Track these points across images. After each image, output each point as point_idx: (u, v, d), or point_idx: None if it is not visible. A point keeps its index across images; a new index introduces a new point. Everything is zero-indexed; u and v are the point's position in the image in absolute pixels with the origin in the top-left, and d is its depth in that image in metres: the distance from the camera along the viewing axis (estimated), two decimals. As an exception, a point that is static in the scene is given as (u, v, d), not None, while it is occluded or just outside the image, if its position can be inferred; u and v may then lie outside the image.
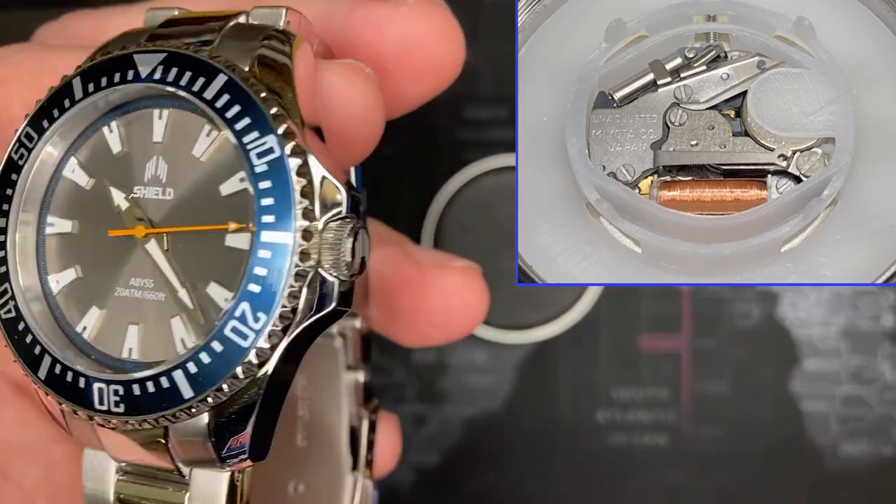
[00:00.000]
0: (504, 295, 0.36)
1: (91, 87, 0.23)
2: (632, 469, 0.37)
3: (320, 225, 0.21)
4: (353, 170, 0.28)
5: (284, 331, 0.21)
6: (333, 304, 0.22)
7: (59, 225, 0.23)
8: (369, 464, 0.31)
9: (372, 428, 0.31)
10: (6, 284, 0.23)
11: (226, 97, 0.22)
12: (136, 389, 0.22)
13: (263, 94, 0.21)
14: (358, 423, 0.31)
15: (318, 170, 0.21)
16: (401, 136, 0.37)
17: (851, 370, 0.37)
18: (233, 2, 0.27)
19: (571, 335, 0.36)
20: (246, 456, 0.22)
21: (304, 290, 0.21)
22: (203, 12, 0.24)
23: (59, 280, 0.23)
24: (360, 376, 0.31)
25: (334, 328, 0.30)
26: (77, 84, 0.23)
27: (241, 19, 0.23)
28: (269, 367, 0.22)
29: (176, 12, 0.24)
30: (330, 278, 0.22)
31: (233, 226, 0.22)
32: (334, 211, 0.21)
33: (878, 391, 0.37)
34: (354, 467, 0.31)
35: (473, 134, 0.37)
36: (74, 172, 0.23)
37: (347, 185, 0.22)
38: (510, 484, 0.37)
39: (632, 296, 0.37)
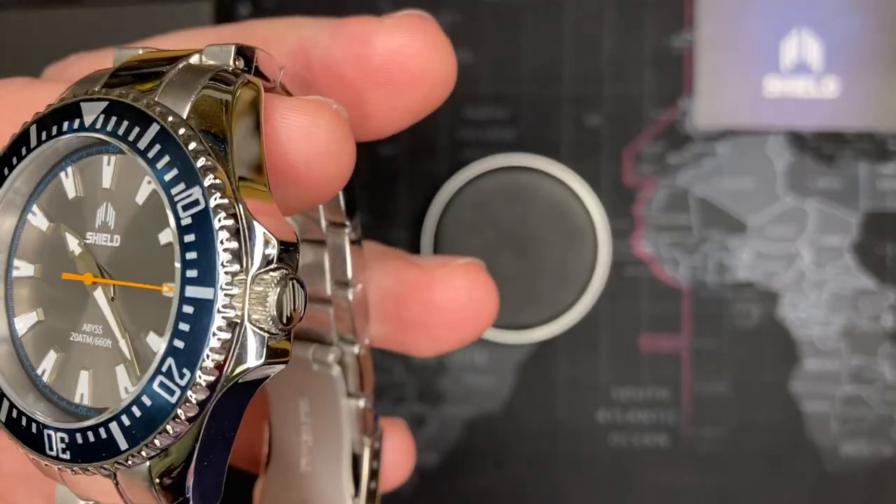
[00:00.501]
0: (504, 295, 0.36)
1: (44, 134, 0.23)
2: (632, 469, 0.37)
3: (248, 278, 0.21)
4: (340, 194, 0.28)
5: (212, 387, 0.21)
6: (263, 359, 0.21)
7: (23, 269, 0.24)
8: (372, 493, 0.31)
9: (375, 456, 0.31)
10: None
11: (157, 147, 0.21)
12: (79, 438, 0.22)
13: (193, 146, 0.21)
14: (360, 450, 0.31)
15: (249, 221, 0.21)
16: (401, 136, 0.37)
17: (852, 370, 0.37)
18: (207, 40, 0.27)
19: (571, 335, 0.36)
20: (209, 498, 0.22)
21: (231, 345, 0.21)
22: (161, 52, 0.24)
23: (23, 322, 0.24)
24: (361, 403, 0.31)
25: (330, 357, 0.30)
26: (33, 131, 0.23)
27: (194, 59, 0.23)
28: (203, 422, 0.21)
29: (140, 51, 0.24)
30: (260, 332, 0.21)
31: (166, 287, 0.22)
32: (264, 261, 0.21)
33: (879, 391, 0.37)
34: (356, 494, 0.31)
35: (473, 134, 0.37)
36: (36, 217, 0.24)
37: (289, 237, 0.22)
38: (510, 484, 0.37)
39: (632, 296, 0.37)
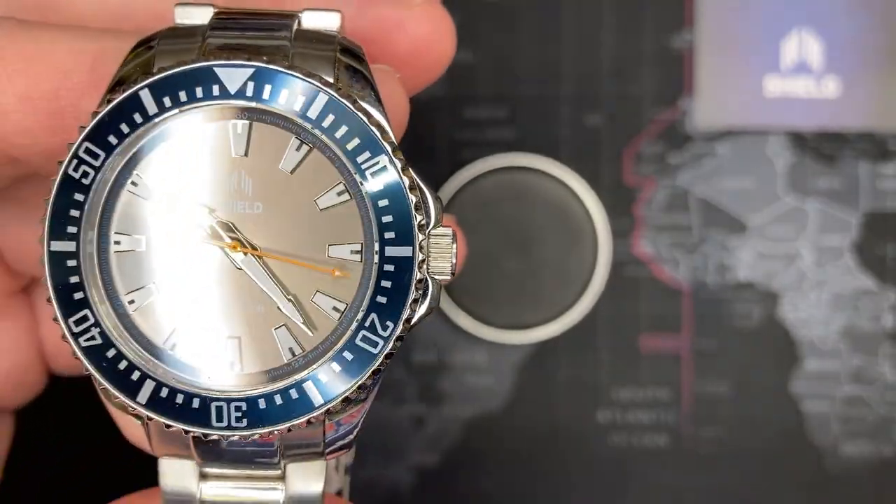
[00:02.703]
0: (504, 295, 0.36)
1: (167, 101, 0.22)
2: (632, 469, 0.37)
3: (430, 235, 0.23)
4: None
5: (405, 335, 0.23)
6: (436, 303, 0.23)
7: (126, 242, 0.23)
8: None
9: None
10: (86, 311, 0.23)
11: (331, 117, 0.22)
12: (262, 403, 0.23)
13: (367, 115, 0.23)
14: None
15: (417, 181, 0.23)
16: (400, 136, 0.37)
17: (852, 370, 0.37)
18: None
19: (571, 335, 0.36)
20: (352, 438, 0.24)
21: (421, 295, 0.23)
22: (251, 10, 0.24)
23: (134, 299, 0.23)
24: None
25: None
26: (147, 97, 0.22)
27: (296, 24, 0.24)
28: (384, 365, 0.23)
29: (210, 9, 0.24)
30: (437, 280, 0.23)
31: (338, 273, 0.23)
32: (434, 219, 0.23)
33: (879, 391, 0.37)
34: None
35: (473, 134, 0.37)
36: (139, 187, 0.23)
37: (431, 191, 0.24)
38: (510, 484, 0.37)
39: (632, 296, 0.37)
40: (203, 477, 0.24)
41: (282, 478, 0.24)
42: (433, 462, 0.37)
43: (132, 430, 0.25)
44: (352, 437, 0.24)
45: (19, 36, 0.24)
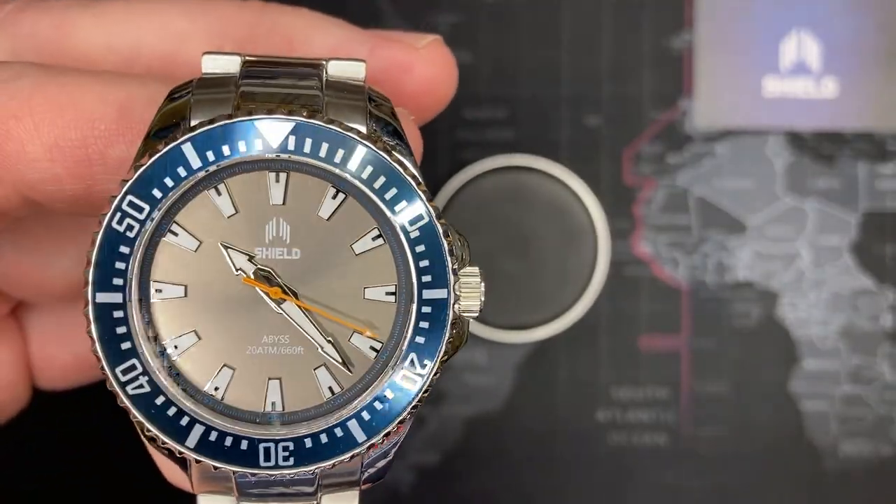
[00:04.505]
0: (504, 295, 0.36)
1: (211, 155, 0.23)
2: (631, 469, 0.37)
3: (459, 276, 0.24)
4: None
5: (440, 371, 0.24)
6: (466, 339, 0.25)
7: (167, 290, 0.24)
8: None
9: None
10: (133, 360, 0.23)
11: (369, 168, 0.23)
12: (308, 442, 0.23)
13: (403, 166, 0.24)
14: None
15: (448, 226, 0.24)
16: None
17: (851, 370, 0.37)
18: (223, 16, 0.27)
19: (571, 335, 0.36)
20: (385, 464, 0.25)
21: (454, 334, 0.24)
22: (280, 58, 0.25)
23: (177, 345, 0.24)
24: None
25: None
26: (190, 151, 0.23)
27: (324, 73, 0.25)
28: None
29: (237, 58, 0.24)
30: (467, 318, 0.24)
31: (368, 333, 0.24)
32: (464, 260, 0.24)
33: (878, 391, 0.37)
34: None
35: (473, 134, 0.37)
36: (179, 236, 0.24)
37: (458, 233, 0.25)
38: (510, 484, 0.37)
39: (632, 296, 0.37)
40: None
41: None
42: (433, 461, 0.37)
43: (172, 471, 0.26)
44: (385, 461, 0.25)
45: (46, 83, 0.24)
